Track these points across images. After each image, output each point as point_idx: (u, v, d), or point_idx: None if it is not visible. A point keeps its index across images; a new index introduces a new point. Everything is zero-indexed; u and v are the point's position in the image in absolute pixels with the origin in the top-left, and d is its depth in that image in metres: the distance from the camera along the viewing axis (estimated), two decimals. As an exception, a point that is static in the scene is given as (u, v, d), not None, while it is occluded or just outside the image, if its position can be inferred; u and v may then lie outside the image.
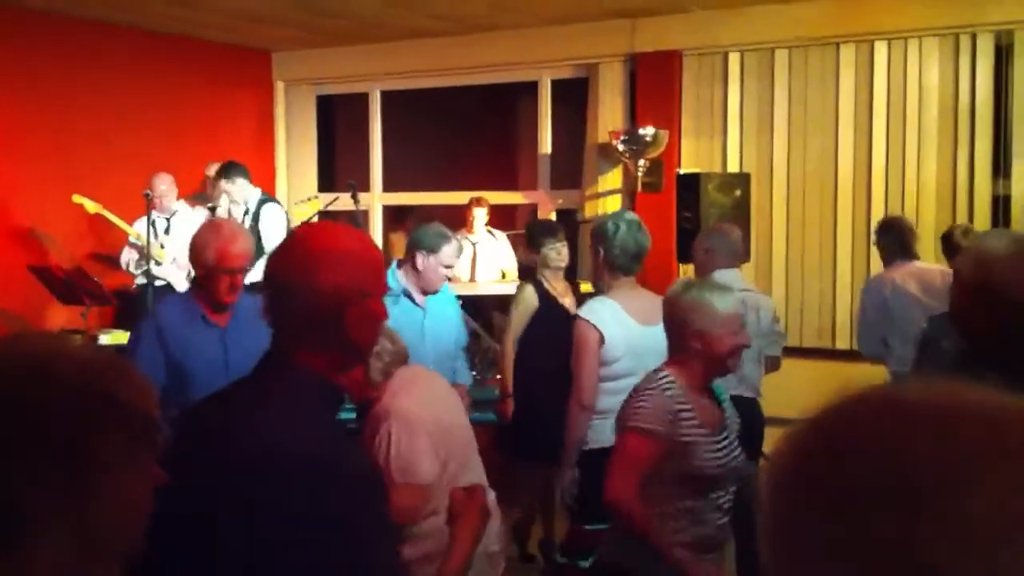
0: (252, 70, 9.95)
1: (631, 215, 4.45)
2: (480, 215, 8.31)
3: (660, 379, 3.12)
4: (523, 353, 5.40)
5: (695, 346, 3.09)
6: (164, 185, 7.35)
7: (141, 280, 7.34)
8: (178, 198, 7.66)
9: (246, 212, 7.25)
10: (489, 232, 8.43)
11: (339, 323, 1.93)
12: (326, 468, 1.82)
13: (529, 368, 5.35)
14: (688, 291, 3.17)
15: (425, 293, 4.94)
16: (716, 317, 3.07)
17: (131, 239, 7.42)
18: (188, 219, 7.40)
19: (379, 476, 2.07)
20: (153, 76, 8.89)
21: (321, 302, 1.91)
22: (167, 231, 7.36)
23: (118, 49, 8.66)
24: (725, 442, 3.15)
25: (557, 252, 5.48)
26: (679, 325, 3.14)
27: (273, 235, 7.09)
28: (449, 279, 5.27)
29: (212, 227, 3.90)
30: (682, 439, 3.03)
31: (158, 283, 7.20)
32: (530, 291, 5.41)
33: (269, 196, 7.46)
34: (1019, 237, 2.96)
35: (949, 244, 6.19)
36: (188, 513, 1.79)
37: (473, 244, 8.35)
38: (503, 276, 8.39)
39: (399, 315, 4.64)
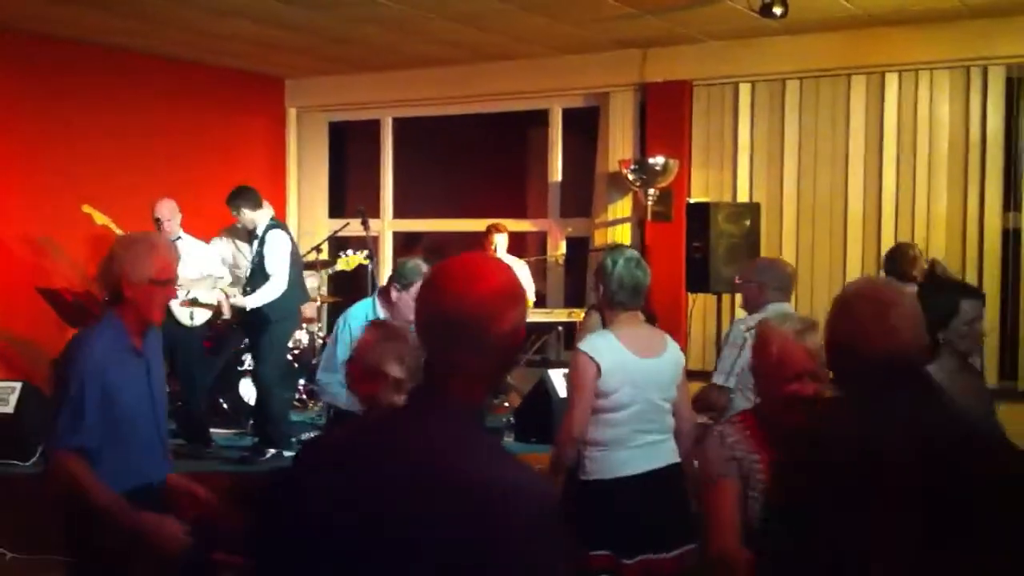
0: (265, 97, 10.01)
1: (630, 252, 4.40)
2: (500, 241, 8.32)
3: (722, 425, 3.05)
4: None
5: (758, 383, 2.99)
6: (167, 210, 7.35)
7: None
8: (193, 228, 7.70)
9: (254, 236, 7.22)
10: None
11: (508, 357, 1.92)
12: (548, 504, 1.80)
13: None
14: (768, 320, 3.07)
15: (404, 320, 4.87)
16: (767, 355, 2.92)
17: None
18: (191, 245, 7.40)
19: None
20: (167, 102, 8.96)
21: (504, 339, 1.87)
22: None
23: (133, 75, 8.73)
24: None
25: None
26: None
27: (275, 260, 7.02)
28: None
29: (143, 240, 3.57)
30: (747, 484, 2.92)
31: None
32: (596, 320, 5.23)
33: (277, 221, 7.45)
34: (860, 283, 2.81)
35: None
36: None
37: None
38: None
39: None
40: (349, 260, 8.35)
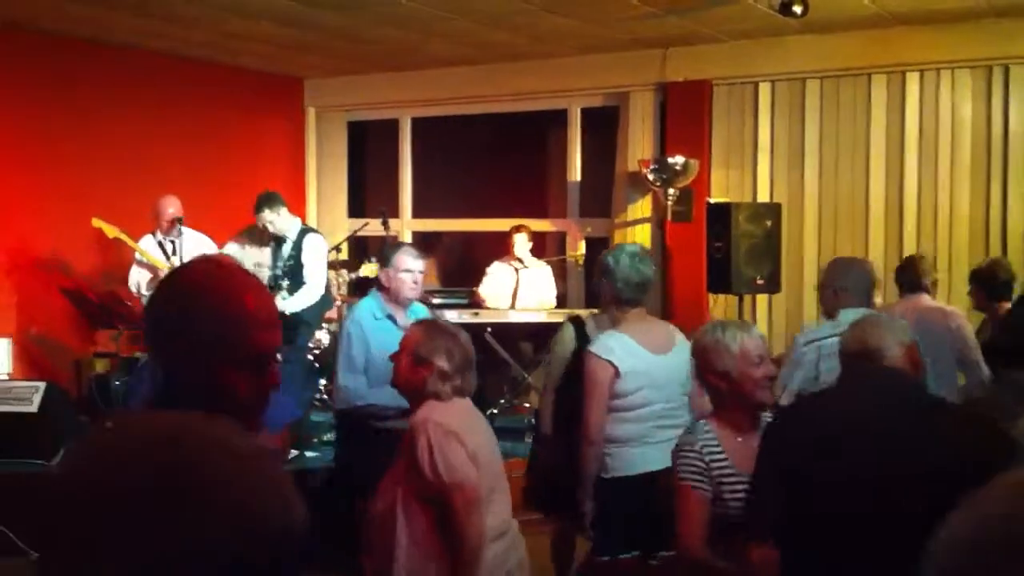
0: (284, 97, 10.04)
1: (632, 246, 4.41)
2: (522, 242, 8.31)
3: (696, 430, 3.24)
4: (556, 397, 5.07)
5: (722, 387, 3.20)
6: (172, 208, 7.36)
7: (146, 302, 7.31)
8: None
9: (282, 241, 7.19)
10: (519, 260, 8.39)
11: (215, 366, 1.83)
12: None
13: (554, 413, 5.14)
14: (704, 334, 3.27)
15: (403, 306, 4.90)
16: (731, 355, 3.16)
17: (138, 257, 7.43)
18: (195, 242, 7.43)
19: None
20: (186, 103, 8.99)
21: (198, 339, 1.81)
22: (174, 252, 7.35)
23: (151, 76, 8.75)
24: None
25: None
26: (703, 371, 3.25)
27: (314, 266, 7.04)
28: (436, 294, 5.16)
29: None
30: (719, 486, 3.13)
31: None
32: (569, 333, 4.83)
33: (309, 226, 7.46)
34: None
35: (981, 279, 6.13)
36: None
37: (516, 271, 8.35)
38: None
39: (381, 338, 4.75)
40: (373, 267, 8.29)
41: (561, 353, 4.83)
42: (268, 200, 7.07)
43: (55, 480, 1.11)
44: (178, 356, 1.81)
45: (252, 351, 1.79)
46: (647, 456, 4.02)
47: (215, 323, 1.77)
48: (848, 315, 4.43)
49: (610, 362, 4.04)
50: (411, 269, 4.87)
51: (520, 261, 8.39)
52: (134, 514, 1.01)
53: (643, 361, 4.08)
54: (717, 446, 3.17)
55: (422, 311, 5.14)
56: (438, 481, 3.21)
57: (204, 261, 1.99)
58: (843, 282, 4.72)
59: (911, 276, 5.93)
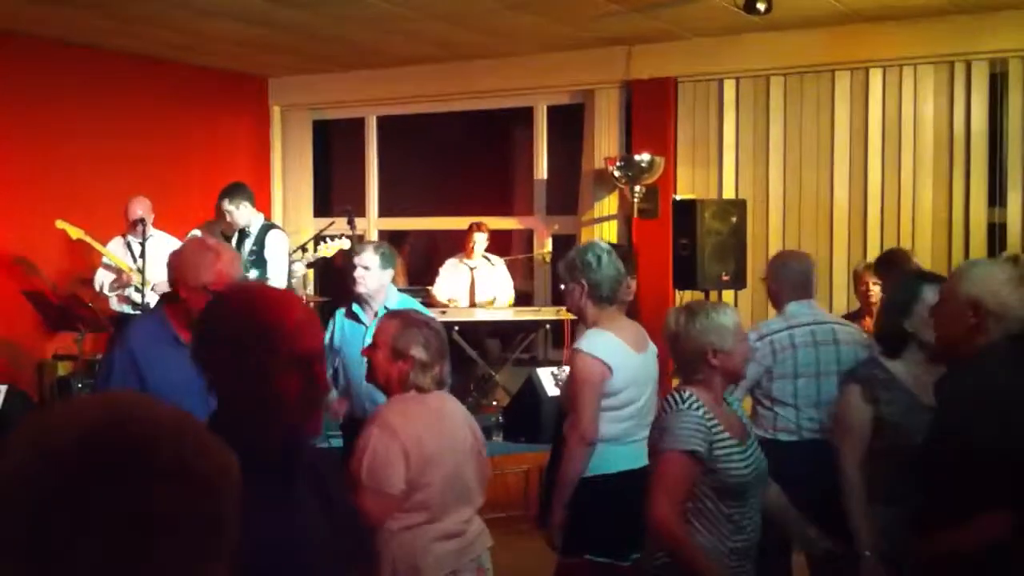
0: (248, 95, 9.96)
1: (605, 244, 4.36)
2: (480, 240, 8.31)
3: (687, 399, 3.22)
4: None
5: (715, 364, 3.26)
6: (141, 209, 7.28)
7: (114, 303, 7.27)
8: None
9: (245, 235, 7.13)
10: (486, 258, 8.41)
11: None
12: None
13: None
14: (695, 317, 3.30)
15: (363, 302, 4.90)
16: (729, 333, 3.26)
17: (105, 260, 7.35)
18: (163, 243, 7.34)
19: None
20: (150, 102, 8.91)
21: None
22: (142, 255, 7.26)
23: (115, 75, 8.67)
24: (752, 449, 3.30)
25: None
26: (697, 351, 3.28)
27: (279, 262, 6.99)
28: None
29: (211, 248, 3.69)
30: (716, 452, 3.16)
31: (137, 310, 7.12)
32: None
33: (272, 222, 7.40)
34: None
35: None
36: None
37: (471, 269, 8.34)
38: (491, 302, 8.32)
39: (346, 335, 4.85)
40: (330, 247, 8.18)
41: None
42: (236, 190, 7.00)
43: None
44: (226, 367, 1.90)
45: (295, 353, 1.87)
46: (626, 454, 3.99)
47: (257, 328, 1.88)
48: (794, 308, 4.55)
49: (603, 361, 3.98)
50: (355, 264, 4.86)
51: (486, 259, 8.39)
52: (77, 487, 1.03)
53: (629, 359, 4.06)
54: (711, 414, 3.22)
55: (407, 302, 5.07)
56: (357, 476, 3.20)
57: (241, 283, 2.14)
58: (778, 276, 4.69)
59: (902, 266, 5.93)
